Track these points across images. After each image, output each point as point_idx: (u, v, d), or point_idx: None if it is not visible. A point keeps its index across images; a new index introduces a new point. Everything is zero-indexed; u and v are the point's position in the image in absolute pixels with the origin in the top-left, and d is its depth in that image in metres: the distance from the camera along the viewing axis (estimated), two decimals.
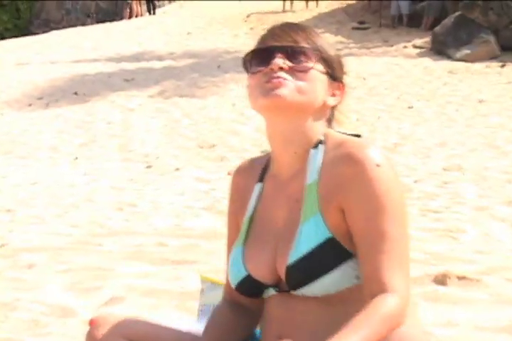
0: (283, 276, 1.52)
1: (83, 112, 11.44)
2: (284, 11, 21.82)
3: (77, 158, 8.58)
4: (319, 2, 21.98)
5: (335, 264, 1.47)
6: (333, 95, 1.58)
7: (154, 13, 24.57)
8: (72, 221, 5.31)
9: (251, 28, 19.10)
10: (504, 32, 14.36)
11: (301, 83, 1.51)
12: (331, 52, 1.58)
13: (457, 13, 14.85)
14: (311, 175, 1.53)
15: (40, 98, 12.70)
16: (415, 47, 15.58)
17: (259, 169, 1.66)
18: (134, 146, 9.12)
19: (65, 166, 8.21)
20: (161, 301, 3.37)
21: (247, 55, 1.57)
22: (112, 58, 16.23)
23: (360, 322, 1.36)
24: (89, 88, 13.14)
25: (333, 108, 1.61)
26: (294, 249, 1.49)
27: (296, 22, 1.65)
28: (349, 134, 1.58)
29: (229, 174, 6.89)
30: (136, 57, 16.23)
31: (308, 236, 1.48)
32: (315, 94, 1.53)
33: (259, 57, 1.54)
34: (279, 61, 1.51)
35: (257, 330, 1.68)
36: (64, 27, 24.28)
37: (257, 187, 1.63)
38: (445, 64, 13.93)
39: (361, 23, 18.71)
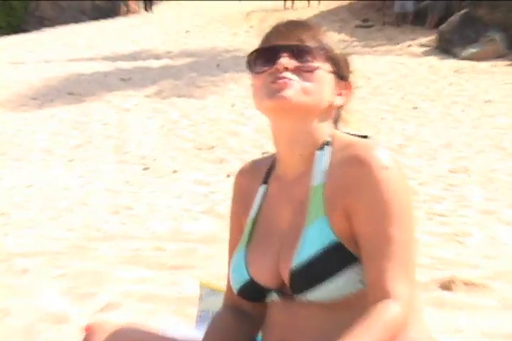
0: (286, 281, 1.50)
1: (78, 112, 11.36)
2: (285, 9, 21.86)
3: (72, 160, 8.50)
4: (321, 1, 22.02)
5: (339, 268, 1.44)
6: (340, 95, 1.56)
7: (151, 11, 24.59)
8: (67, 224, 5.27)
9: (251, 27, 19.07)
10: (511, 30, 14.24)
11: (307, 84, 1.48)
12: (337, 50, 1.56)
13: (463, 11, 14.70)
14: (317, 177, 1.50)
15: (34, 98, 12.61)
16: (420, 45, 15.50)
17: (264, 170, 1.64)
18: (130, 148, 9.04)
19: (59, 168, 8.15)
20: (158, 307, 3.35)
21: (251, 54, 1.54)
22: (108, 57, 16.20)
23: (362, 329, 1.33)
24: (84, 88, 13.08)
25: (339, 108, 1.59)
26: (297, 252, 1.47)
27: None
28: (356, 135, 1.56)
29: (228, 176, 6.81)
30: (133, 56, 16.20)
31: (313, 240, 1.46)
32: (321, 95, 1.50)
33: (264, 57, 1.51)
34: (285, 61, 1.48)
35: (259, 337, 1.65)
36: (59, 25, 24.28)
37: (262, 189, 1.62)
38: (451, 63, 13.89)
39: (365, 21, 18.74)
